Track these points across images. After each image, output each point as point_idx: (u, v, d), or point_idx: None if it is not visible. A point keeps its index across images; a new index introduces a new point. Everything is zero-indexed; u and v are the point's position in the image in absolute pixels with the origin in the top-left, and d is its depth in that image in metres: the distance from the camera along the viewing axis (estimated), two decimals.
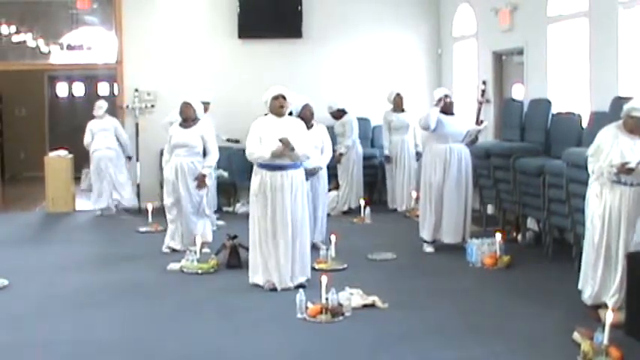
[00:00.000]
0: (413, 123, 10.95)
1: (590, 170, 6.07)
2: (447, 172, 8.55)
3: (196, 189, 8.63)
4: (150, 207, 10.39)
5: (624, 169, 5.77)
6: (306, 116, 8.49)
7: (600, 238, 5.95)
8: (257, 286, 7.14)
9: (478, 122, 9.95)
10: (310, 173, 8.18)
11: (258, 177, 7.17)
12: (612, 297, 5.90)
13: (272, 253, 7.09)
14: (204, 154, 8.72)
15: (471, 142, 8.70)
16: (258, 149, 7.09)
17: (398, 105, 11.35)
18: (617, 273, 5.88)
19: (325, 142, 8.78)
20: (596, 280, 6.00)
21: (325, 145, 8.75)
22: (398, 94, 11.34)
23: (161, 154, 11.26)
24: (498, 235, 7.94)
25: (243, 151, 7.43)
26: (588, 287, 6.08)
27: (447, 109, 8.64)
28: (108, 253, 9.05)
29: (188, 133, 8.70)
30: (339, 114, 11.47)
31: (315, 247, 8.10)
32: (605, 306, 5.84)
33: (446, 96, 8.68)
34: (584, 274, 6.15)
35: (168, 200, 8.80)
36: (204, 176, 8.64)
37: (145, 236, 9.94)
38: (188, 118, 8.76)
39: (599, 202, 5.96)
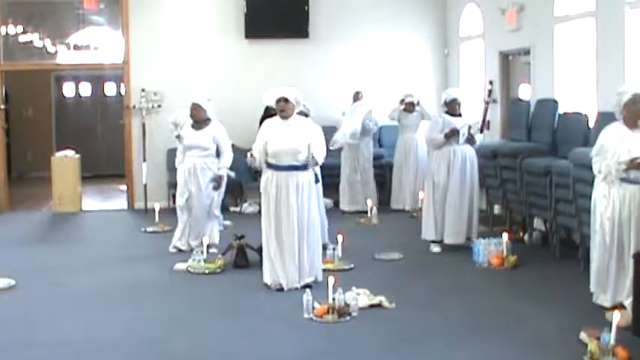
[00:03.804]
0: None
1: (595, 171, 6.03)
2: (450, 173, 8.54)
3: (213, 190, 8.65)
4: (157, 207, 10.40)
5: (634, 164, 5.74)
6: None
7: (612, 240, 5.92)
8: (266, 285, 7.14)
9: (485, 122, 9.90)
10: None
11: (264, 176, 7.20)
12: (628, 298, 5.85)
13: (278, 252, 7.09)
14: (218, 154, 8.72)
15: (468, 141, 8.61)
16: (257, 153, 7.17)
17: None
18: (631, 273, 5.82)
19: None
20: (610, 281, 5.97)
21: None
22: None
23: (168, 154, 11.35)
24: (505, 235, 7.92)
25: (246, 150, 7.46)
26: (602, 289, 6.04)
27: (453, 111, 8.64)
28: (114, 253, 9.06)
29: (200, 135, 8.70)
30: None
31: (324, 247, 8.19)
32: (622, 306, 5.81)
33: (453, 100, 8.68)
34: (597, 276, 6.10)
35: (180, 201, 8.81)
36: (220, 177, 8.68)
37: (151, 236, 9.94)
38: (199, 120, 8.75)
39: (607, 203, 5.92)
